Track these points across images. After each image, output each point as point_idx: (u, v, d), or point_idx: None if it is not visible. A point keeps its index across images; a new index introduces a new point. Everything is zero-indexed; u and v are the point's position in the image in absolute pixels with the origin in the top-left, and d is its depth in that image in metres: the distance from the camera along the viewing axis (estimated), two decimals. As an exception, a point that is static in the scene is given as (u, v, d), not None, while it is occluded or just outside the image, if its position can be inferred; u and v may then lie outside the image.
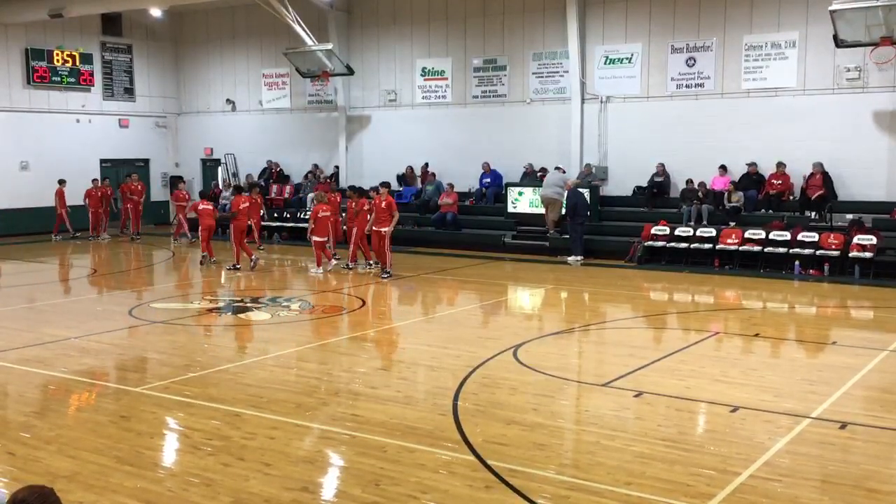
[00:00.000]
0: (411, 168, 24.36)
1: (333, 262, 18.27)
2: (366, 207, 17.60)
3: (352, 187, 19.61)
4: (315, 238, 17.86)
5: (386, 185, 17.87)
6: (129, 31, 28.47)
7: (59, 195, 24.45)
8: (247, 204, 18.96)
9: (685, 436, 7.48)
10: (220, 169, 28.79)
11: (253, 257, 18.30)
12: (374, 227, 17.25)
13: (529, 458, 6.84)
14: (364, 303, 14.73)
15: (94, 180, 25.21)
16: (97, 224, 24.51)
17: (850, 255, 16.93)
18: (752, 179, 19.56)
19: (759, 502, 5.99)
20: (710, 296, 15.81)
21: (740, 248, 18.11)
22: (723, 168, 19.99)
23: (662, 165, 20.74)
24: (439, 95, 24.20)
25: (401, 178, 24.39)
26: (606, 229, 20.56)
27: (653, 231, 19.31)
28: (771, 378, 9.40)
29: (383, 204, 17.10)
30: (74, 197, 24.87)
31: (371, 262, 18.02)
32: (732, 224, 18.91)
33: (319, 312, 13.85)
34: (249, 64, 27.88)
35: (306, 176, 25.96)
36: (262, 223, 23.13)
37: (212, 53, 28.80)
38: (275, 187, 26.22)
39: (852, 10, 16.16)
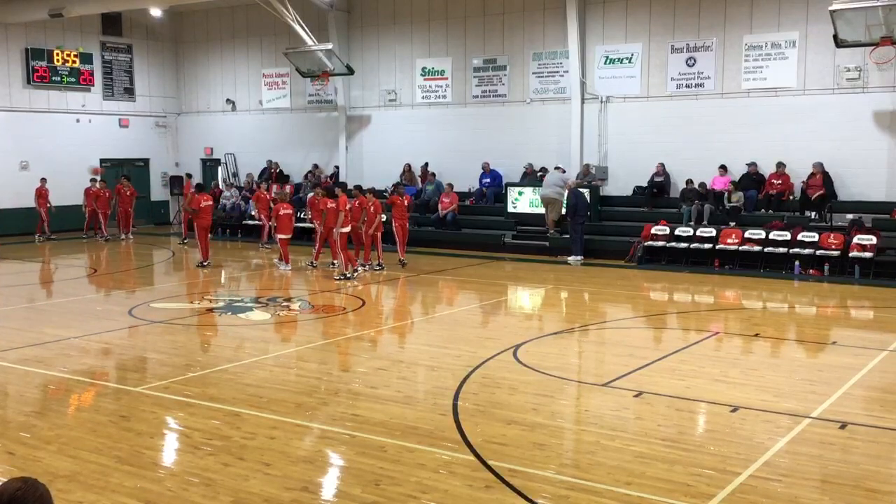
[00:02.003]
0: (409, 165, 24.37)
1: (289, 266, 18.27)
2: (330, 205, 17.50)
3: (325, 187, 20.00)
4: (279, 236, 18.20)
5: (339, 185, 18.38)
6: (129, 31, 28.47)
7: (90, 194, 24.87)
8: (209, 202, 19.24)
9: (685, 436, 7.48)
10: (220, 169, 28.81)
11: (206, 261, 18.59)
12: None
13: (529, 458, 6.84)
14: (364, 303, 14.73)
15: (94, 180, 25.25)
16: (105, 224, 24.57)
17: (850, 255, 16.93)
18: (752, 179, 19.56)
19: (759, 502, 5.99)
20: (710, 296, 15.81)
21: (740, 248, 18.11)
22: (723, 168, 19.99)
23: (662, 165, 20.74)
24: (439, 95, 24.20)
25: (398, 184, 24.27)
26: (606, 229, 20.56)
27: (653, 231, 19.31)
28: (771, 378, 9.40)
29: (330, 205, 17.26)
30: (75, 197, 24.98)
31: (373, 262, 18.01)
32: (732, 224, 18.91)
33: (319, 312, 13.85)
34: (249, 64, 27.88)
35: (306, 176, 25.96)
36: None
37: (212, 53, 28.81)
38: (275, 187, 26.20)
39: (852, 10, 16.15)
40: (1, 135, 25.37)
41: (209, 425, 7.70)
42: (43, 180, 24.28)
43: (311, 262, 18.25)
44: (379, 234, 17.93)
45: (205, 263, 18.52)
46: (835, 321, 13.94)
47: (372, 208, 17.60)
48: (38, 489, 2.99)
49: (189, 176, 26.70)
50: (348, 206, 17.25)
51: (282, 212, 18.35)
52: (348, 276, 16.71)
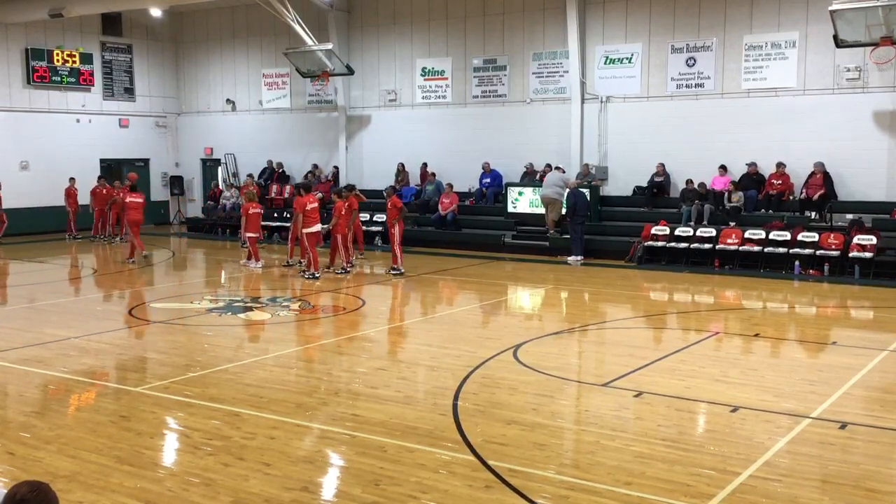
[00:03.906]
0: (402, 165, 24.40)
1: (261, 262, 18.62)
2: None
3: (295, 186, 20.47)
4: (248, 234, 18.55)
5: (311, 187, 18.73)
6: (129, 31, 28.48)
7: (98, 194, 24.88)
8: (140, 200, 19.94)
9: (685, 436, 7.48)
10: (220, 169, 28.82)
11: (144, 253, 19.45)
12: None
13: (529, 458, 6.84)
14: (364, 303, 14.74)
15: (102, 178, 25.28)
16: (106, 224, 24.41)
17: (850, 255, 16.94)
18: (752, 179, 19.57)
19: (759, 502, 5.99)
20: (710, 296, 15.81)
21: (740, 248, 18.11)
22: (723, 168, 20.00)
23: (662, 165, 20.75)
24: (439, 95, 24.21)
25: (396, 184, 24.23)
26: (606, 229, 20.57)
27: (653, 231, 19.31)
28: (771, 378, 9.40)
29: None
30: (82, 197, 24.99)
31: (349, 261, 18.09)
32: (732, 224, 18.91)
33: (319, 312, 13.85)
34: (249, 64, 27.89)
35: (306, 176, 25.96)
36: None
37: (212, 53, 28.81)
38: (275, 187, 26.24)
39: (852, 10, 16.16)
40: (1, 135, 25.37)
41: (209, 425, 7.70)
42: (72, 180, 24.51)
43: (301, 262, 18.27)
44: (335, 235, 17.67)
45: (144, 255, 19.38)
46: (835, 321, 13.94)
47: (339, 210, 17.65)
48: (46, 494, 3.01)
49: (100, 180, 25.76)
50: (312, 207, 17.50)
51: (251, 211, 18.64)
52: (316, 275, 16.78)
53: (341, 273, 17.43)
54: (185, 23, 29.37)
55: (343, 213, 17.49)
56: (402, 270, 17.35)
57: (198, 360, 10.42)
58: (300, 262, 18.15)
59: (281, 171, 26.75)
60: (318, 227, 17.22)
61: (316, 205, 17.36)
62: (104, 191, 24.59)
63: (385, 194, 19.44)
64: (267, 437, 7.37)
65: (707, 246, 18.54)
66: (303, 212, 16.96)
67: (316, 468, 6.77)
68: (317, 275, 16.76)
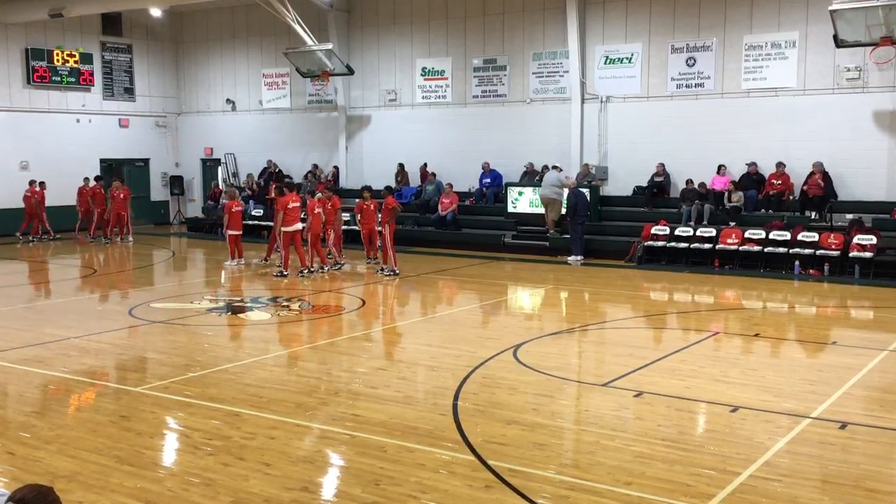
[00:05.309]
0: (402, 165, 24.40)
1: (243, 260, 18.99)
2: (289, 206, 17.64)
3: (276, 185, 20.45)
4: (229, 232, 18.82)
5: (294, 187, 18.88)
6: (129, 31, 28.48)
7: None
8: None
9: (685, 436, 7.48)
10: (220, 169, 28.82)
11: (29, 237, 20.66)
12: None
13: (529, 458, 6.84)
14: (364, 303, 14.74)
15: (87, 179, 25.17)
16: (115, 224, 24.22)
17: (850, 255, 16.94)
18: (752, 179, 19.57)
19: (759, 502, 5.99)
20: (710, 296, 15.81)
21: (740, 248, 18.11)
22: (723, 168, 20.00)
23: (662, 165, 20.75)
24: (439, 95, 24.21)
25: (395, 184, 24.22)
26: (606, 229, 20.57)
27: (653, 231, 19.31)
28: (771, 378, 9.40)
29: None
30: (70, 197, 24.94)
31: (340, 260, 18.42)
32: (732, 224, 18.91)
33: (320, 312, 13.85)
34: (249, 64, 27.89)
35: (306, 176, 25.97)
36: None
37: (212, 53, 28.81)
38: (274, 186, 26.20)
39: (852, 10, 16.15)
40: (1, 135, 25.38)
41: (209, 425, 7.70)
42: (86, 180, 24.49)
43: (309, 268, 18.24)
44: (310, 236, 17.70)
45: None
46: (835, 321, 13.94)
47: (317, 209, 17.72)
48: (47, 496, 3.02)
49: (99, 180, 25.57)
50: (318, 210, 17.63)
51: (233, 209, 18.85)
52: (285, 273, 17.06)
53: (335, 269, 17.70)
54: (185, 23, 29.37)
55: (315, 212, 17.57)
56: (397, 271, 17.41)
57: (198, 360, 10.42)
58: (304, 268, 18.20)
59: (278, 170, 26.70)
60: (298, 227, 17.40)
61: (297, 204, 17.53)
62: (99, 191, 24.53)
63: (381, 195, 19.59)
64: (267, 437, 7.37)
65: (707, 246, 18.54)
66: (283, 210, 17.15)
67: (316, 468, 6.78)
68: (285, 273, 17.04)
